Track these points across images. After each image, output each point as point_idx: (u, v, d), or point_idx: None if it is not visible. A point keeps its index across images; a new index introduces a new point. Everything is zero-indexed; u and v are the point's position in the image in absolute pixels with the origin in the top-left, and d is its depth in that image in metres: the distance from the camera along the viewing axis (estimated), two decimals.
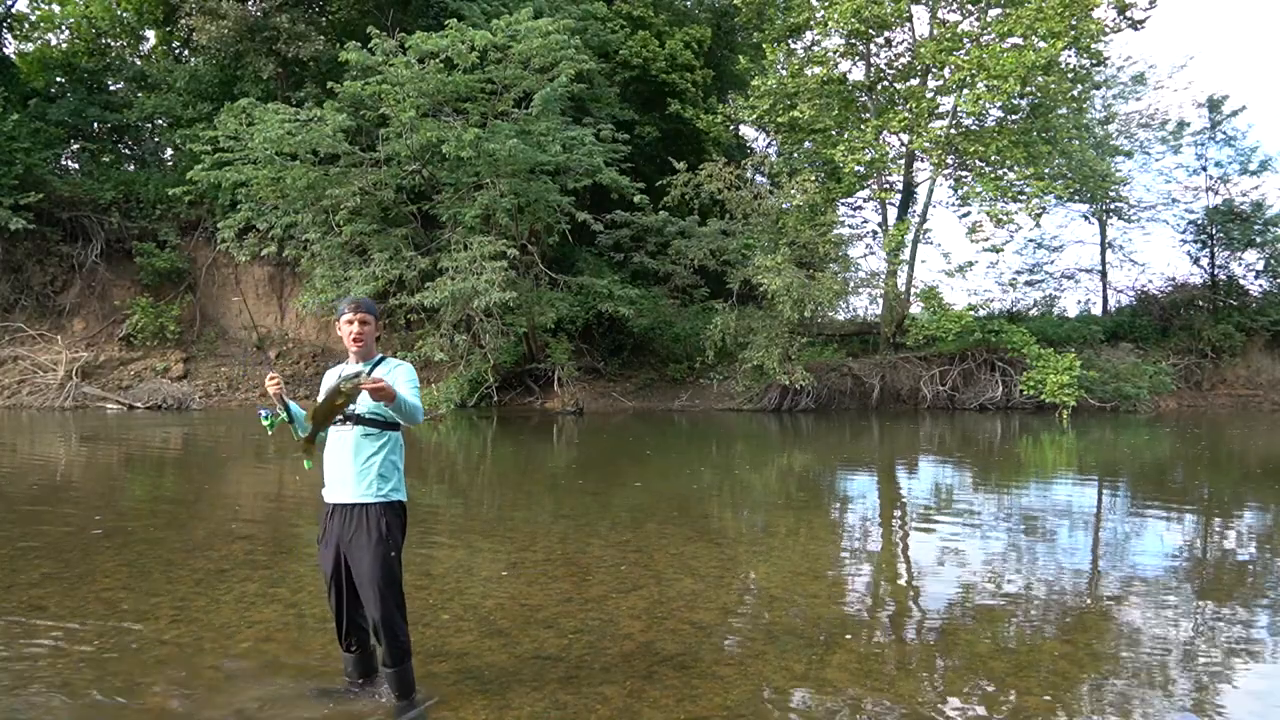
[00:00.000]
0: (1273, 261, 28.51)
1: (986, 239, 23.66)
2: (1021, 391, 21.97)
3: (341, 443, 3.66)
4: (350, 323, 3.72)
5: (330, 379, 3.77)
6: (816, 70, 22.95)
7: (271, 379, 3.77)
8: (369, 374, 3.57)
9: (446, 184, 19.69)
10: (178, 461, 12.76)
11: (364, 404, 3.60)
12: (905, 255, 23.61)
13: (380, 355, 3.85)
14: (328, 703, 3.75)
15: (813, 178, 22.42)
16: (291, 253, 20.72)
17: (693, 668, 4.24)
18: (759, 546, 7.27)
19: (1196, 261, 29.33)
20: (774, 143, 27.27)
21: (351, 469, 3.63)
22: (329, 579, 3.71)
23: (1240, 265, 29.11)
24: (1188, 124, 29.47)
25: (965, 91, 21.14)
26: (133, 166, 26.05)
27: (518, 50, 18.54)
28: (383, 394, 3.36)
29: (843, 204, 27.40)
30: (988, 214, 22.20)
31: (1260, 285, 28.93)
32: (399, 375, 3.70)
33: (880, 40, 23.72)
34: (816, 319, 23.14)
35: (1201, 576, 6.43)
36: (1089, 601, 5.69)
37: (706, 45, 26.96)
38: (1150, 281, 30.17)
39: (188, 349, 22.90)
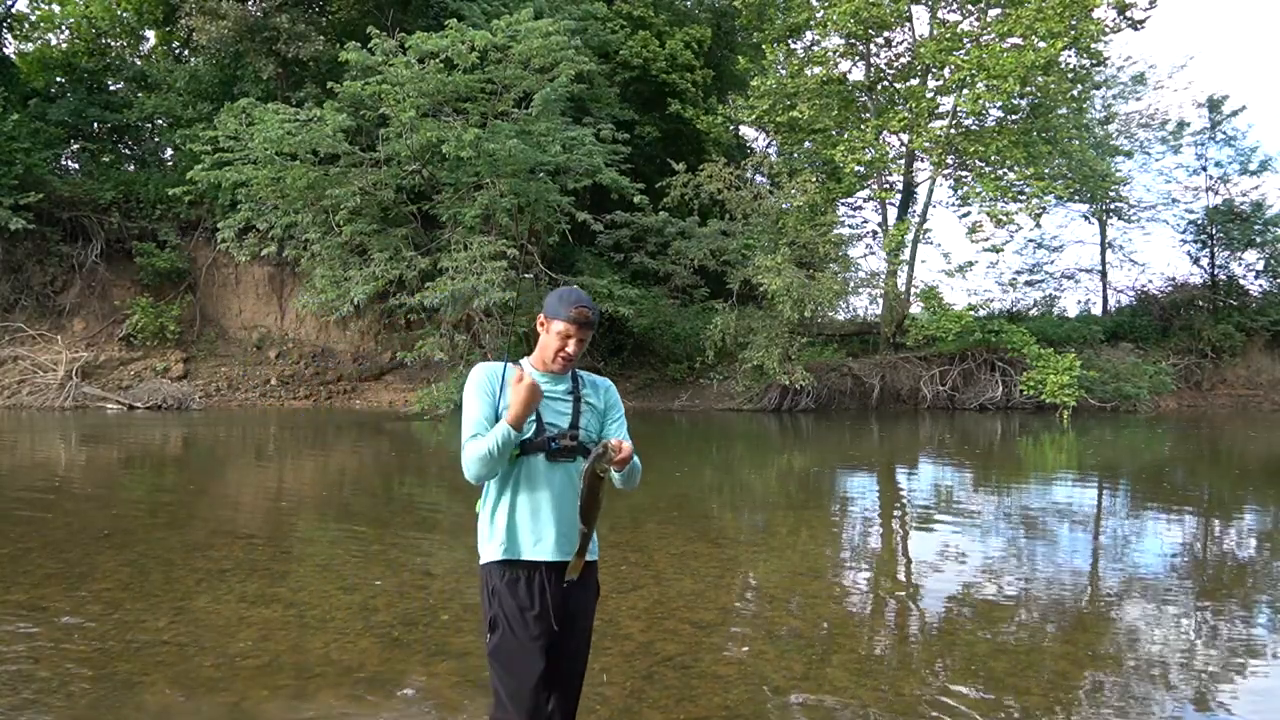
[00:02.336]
0: (1273, 261, 28.52)
1: (986, 239, 23.68)
2: (1021, 391, 21.96)
3: (554, 479, 2.69)
4: (567, 338, 2.67)
5: (485, 382, 2.72)
6: (816, 70, 22.96)
7: (529, 382, 2.59)
8: (571, 391, 2.76)
9: (446, 184, 19.68)
10: (178, 461, 12.76)
11: (587, 425, 2.78)
12: (905, 255, 23.61)
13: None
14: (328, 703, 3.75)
15: (813, 178, 22.42)
16: (291, 253, 20.70)
17: (693, 668, 4.24)
18: (759, 546, 7.27)
19: (1196, 261, 29.34)
20: (774, 143, 27.27)
21: (573, 511, 2.66)
22: (535, 675, 2.64)
23: (1240, 265, 29.15)
24: (1188, 124, 29.50)
25: (965, 91, 21.14)
26: (133, 166, 26.02)
27: (518, 50, 18.52)
28: (626, 460, 2.58)
29: (843, 204, 27.41)
30: (988, 214, 22.20)
31: (1260, 285, 28.95)
32: (618, 409, 2.87)
33: (880, 40, 23.72)
34: (816, 319, 23.14)
35: (1201, 576, 6.43)
36: (1089, 601, 5.69)
37: (706, 45, 26.96)
38: (1150, 281, 30.22)
39: (188, 349, 22.89)
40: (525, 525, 2.68)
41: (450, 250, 18.64)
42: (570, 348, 2.68)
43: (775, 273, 19.84)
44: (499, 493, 2.72)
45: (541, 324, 2.74)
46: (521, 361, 2.78)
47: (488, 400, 2.69)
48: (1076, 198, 27.00)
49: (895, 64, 24.18)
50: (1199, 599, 5.74)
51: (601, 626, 4.81)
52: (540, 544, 2.67)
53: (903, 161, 23.70)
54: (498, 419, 2.63)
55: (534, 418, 2.65)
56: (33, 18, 26.97)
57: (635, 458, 2.69)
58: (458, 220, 18.97)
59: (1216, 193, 29.20)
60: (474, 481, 2.68)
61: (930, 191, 24.46)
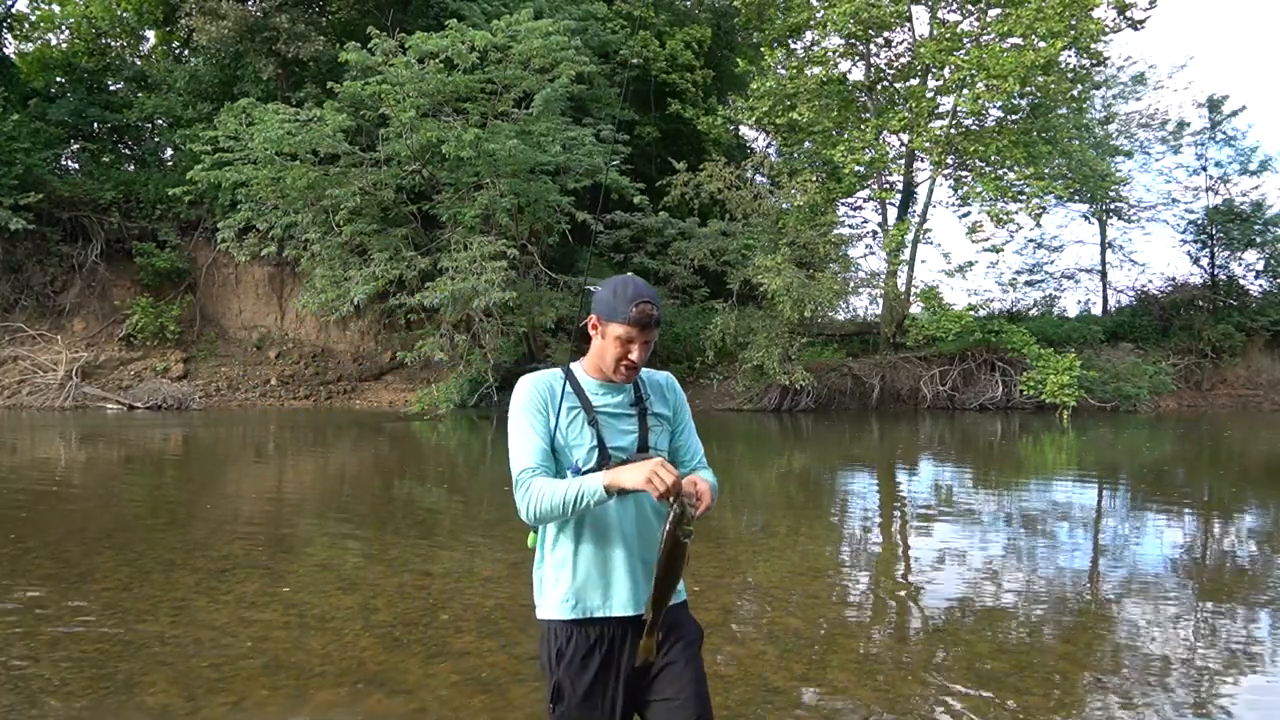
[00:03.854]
0: (1273, 261, 28.52)
1: (986, 239, 23.69)
2: (1021, 391, 21.96)
3: (625, 516, 2.22)
4: (629, 343, 2.18)
5: (536, 398, 2.25)
6: (816, 70, 22.95)
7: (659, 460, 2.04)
8: (634, 402, 2.29)
9: (446, 184, 19.68)
10: (178, 461, 12.76)
11: (658, 442, 2.32)
12: (905, 255, 23.61)
13: None
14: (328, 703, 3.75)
15: (813, 178, 22.43)
16: (291, 253, 20.70)
17: None
18: (759, 546, 7.26)
19: (1196, 261, 29.34)
20: (773, 143, 27.27)
21: (649, 552, 2.20)
22: None
23: (1240, 265, 29.15)
24: (1188, 124, 29.49)
25: (965, 91, 21.14)
26: (133, 166, 26.02)
27: (518, 51, 18.53)
28: (709, 506, 2.13)
29: (843, 204, 27.39)
30: (988, 214, 22.20)
31: (1260, 285, 28.95)
32: (686, 410, 2.43)
33: (880, 40, 23.72)
34: (816, 319, 23.14)
35: (1201, 576, 6.43)
36: (1089, 601, 5.68)
37: (706, 45, 26.97)
38: (1150, 281, 30.21)
39: (188, 349, 22.90)
40: (594, 577, 2.21)
41: (450, 250, 18.65)
42: (634, 354, 2.18)
43: (775, 273, 19.84)
44: (559, 535, 2.25)
45: (594, 326, 2.24)
46: (573, 366, 2.32)
47: (540, 421, 2.21)
48: (1076, 198, 26.99)
49: (895, 64, 24.18)
50: (1199, 599, 5.74)
51: None
52: (613, 599, 2.20)
53: (903, 161, 23.70)
54: (554, 445, 2.20)
55: (594, 442, 2.19)
56: (33, 18, 26.99)
57: (715, 481, 2.25)
58: (458, 220, 18.98)
59: (1216, 193, 29.21)
60: (531, 523, 2.21)
61: (930, 191, 24.46)
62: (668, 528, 2.04)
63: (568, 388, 2.25)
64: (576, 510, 2.09)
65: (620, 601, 2.21)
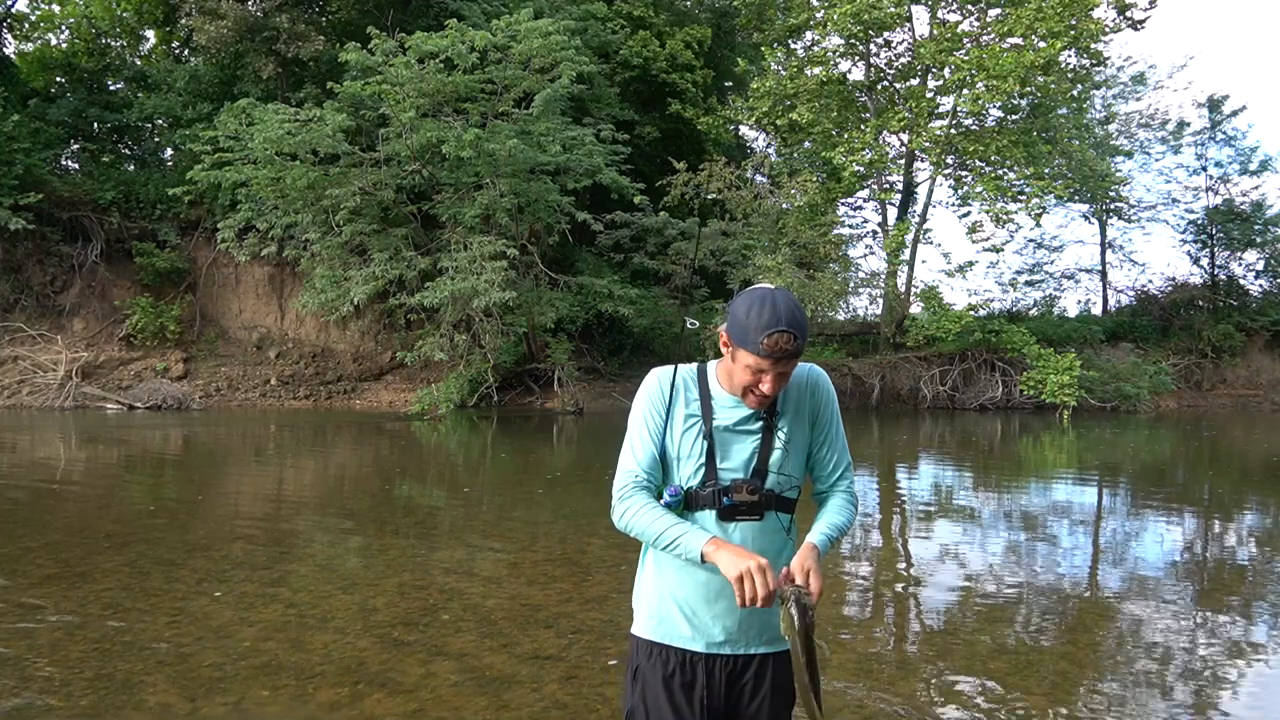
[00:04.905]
0: (1273, 261, 28.56)
1: (987, 239, 23.73)
2: (1021, 391, 21.98)
3: (738, 539, 1.95)
4: (759, 373, 1.89)
5: (656, 396, 2.02)
6: (816, 71, 22.97)
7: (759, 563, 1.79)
8: (767, 410, 1.98)
9: (446, 184, 19.69)
10: (178, 462, 12.76)
11: (784, 467, 2.00)
12: (905, 255, 23.63)
13: None
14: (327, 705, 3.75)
15: (813, 178, 22.44)
16: (291, 253, 20.71)
17: None
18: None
19: (1196, 261, 29.39)
20: (773, 143, 27.29)
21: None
22: None
23: (1240, 265, 29.22)
24: (1188, 124, 29.54)
25: (965, 91, 21.16)
26: (133, 166, 26.02)
27: (518, 51, 18.54)
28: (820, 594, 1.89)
29: (843, 204, 27.44)
30: (988, 214, 22.24)
31: (1260, 285, 29.01)
32: (831, 414, 2.08)
33: (880, 40, 23.74)
34: (816, 319, 23.15)
35: (1201, 576, 6.43)
36: (1089, 601, 5.68)
37: (706, 46, 26.97)
38: (1150, 281, 30.28)
39: (188, 349, 22.90)
40: (685, 604, 1.99)
41: (450, 250, 18.66)
42: (765, 387, 1.89)
43: (775, 273, 19.85)
44: (655, 552, 2.04)
45: (725, 344, 1.95)
46: (709, 366, 2.05)
47: (655, 422, 2.00)
48: (1076, 198, 27.04)
49: (895, 64, 24.21)
50: (1199, 599, 5.74)
51: (602, 626, 4.81)
52: (703, 632, 1.98)
53: (902, 162, 23.72)
54: (664, 452, 1.99)
55: (703, 459, 1.96)
56: (33, 18, 26.99)
57: (845, 521, 2.06)
58: (458, 220, 18.99)
59: (1216, 193, 29.26)
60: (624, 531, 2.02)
61: (930, 191, 24.51)
62: (798, 626, 1.79)
63: (694, 390, 2.01)
64: (665, 551, 1.92)
65: (713, 636, 1.98)
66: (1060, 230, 38.82)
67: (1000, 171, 22.38)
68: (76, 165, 25.59)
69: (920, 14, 23.38)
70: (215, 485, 10.44)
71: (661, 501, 1.95)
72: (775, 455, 1.96)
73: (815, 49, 24.35)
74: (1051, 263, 31.39)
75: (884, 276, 24.03)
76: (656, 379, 2.04)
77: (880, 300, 24.85)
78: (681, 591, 1.99)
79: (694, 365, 2.06)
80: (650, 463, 1.98)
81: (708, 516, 1.95)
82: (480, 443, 15.81)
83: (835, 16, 21.42)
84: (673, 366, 2.06)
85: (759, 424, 1.97)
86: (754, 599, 1.75)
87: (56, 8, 27.22)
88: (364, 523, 7.93)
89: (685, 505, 1.96)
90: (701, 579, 1.96)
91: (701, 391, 2.01)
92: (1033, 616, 5.31)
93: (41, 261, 22.77)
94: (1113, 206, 29.15)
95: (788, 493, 2.00)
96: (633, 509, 1.95)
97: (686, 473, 1.97)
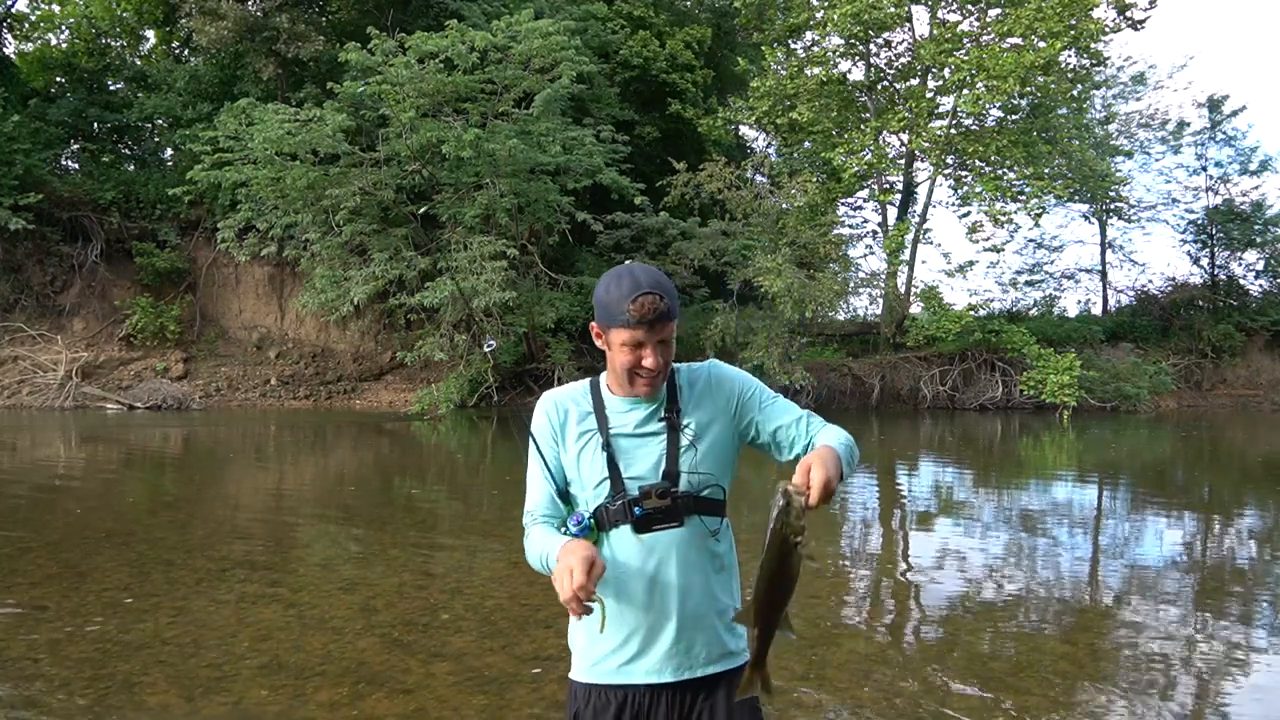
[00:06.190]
0: (1273, 261, 28.56)
1: (986, 239, 23.74)
2: (1021, 392, 21.98)
3: (650, 561, 1.79)
4: (638, 347, 1.74)
5: (544, 425, 1.88)
6: (816, 71, 22.99)
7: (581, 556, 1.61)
8: (668, 409, 1.83)
9: (446, 184, 19.69)
10: (178, 461, 12.76)
11: (697, 465, 1.82)
12: (905, 255, 23.64)
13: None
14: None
15: (813, 178, 22.44)
16: (291, 253, 20.71)
17: None
18: (758, 546, 7.26)
19: (1196, 261, 29.38)
20: (773, 143, 27.28)
21: (700, 604, 1.81)
22: None
23: (1240, 265, 29.22)
24: (1188, 124, 29.54)
25: (965, 91, 21.17)
26: (133, 166, 26.02)
27: (518, 51, 18.53)
28: (834, 489, 1.64)
29: (843, 204, 27.44)
30: (987, 214, 22.25)
31: (1260, 285, 29.01)
32: (744, 389, 1.89)
33: (880, 40, 23.75)
34: (817, 319, 23.17)
35: (1201, 576, 6.43)
36: (1089, 601, 5.69)
37: (706, 46, 26.95)
38: (1150, 281, 30.28)
39: (188, 349, 22.90)
40: (618, 633, 1.80)
41: (450, 250, 18.66)
42: (648, 360, 1.73)
43: (775, 273, 19.86)
44: None
45: (597, 335, 1.81)
46: (600, 379, 1.89)
47: (549, 454, 1.85)
48: (1076, 198, 27.04)
49: (895, 64, 24.22)
50: (1199, 599, 5.74)
51: None
52: (636, 660, 1.79)
53: (902, 162, 23.73)
54: (564, 478, 1.85)
55: (604, 473, 1.79)
56: (33, 18, 26.99)
57: (845, 438, 1.81)
58: (458, 220, 18.99)
59: (1216, 193, 29.26)
60: None
61: (930, 192, 24.51)
62: (772, 525, 1.59)
63: (585, 404, 1.85)
64: (547, 570, 1.74)
65: (648, 666, 1.78)
66: (1060, 230, 38.84)
67: (1000, 171, 22.39)
68: (76, 165, 25.59)
69: (920, 14, 23.40)
70: (215, 485, 10.44)
71: (566, 533, 1.76)
72: (686, 455, 1.79)
73: (815, 49, 24.36)
74: (1051, 263, 31.41)
75: (884, 276, 24.04)
76: (540, 407, 1.89)
77: (880, 300, 24.86)
78: (611, 620, 1.79)
79: (585, 381, 1.90)
80: (547, 501, 1.84)
81: (624, 533, 1.77)
82: (480, 443, 15.81)
83: (835, 16, 21.42)
84: (562, 389, 1.91)
85: (661, 423, 1.80)
86: (566, 599, 1.56)
87: (56, 8, 27.22)
88: (364, 523, 7.93)
89: (598, 527, 1.78)
90: (629, 600, 1.78)
91: (595, 404, 1.84)
92: (1033, 617, 5.31)
93: (41, 261, 22.77)
94: (1113, 206, 29.14)
95: (706, 492, 1.80)
96: (530, 543, 1.81)
97: (592, 492, 1.79)
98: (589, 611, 1.61)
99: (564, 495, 1.85)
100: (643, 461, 1.79)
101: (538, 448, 1.86)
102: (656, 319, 1.69)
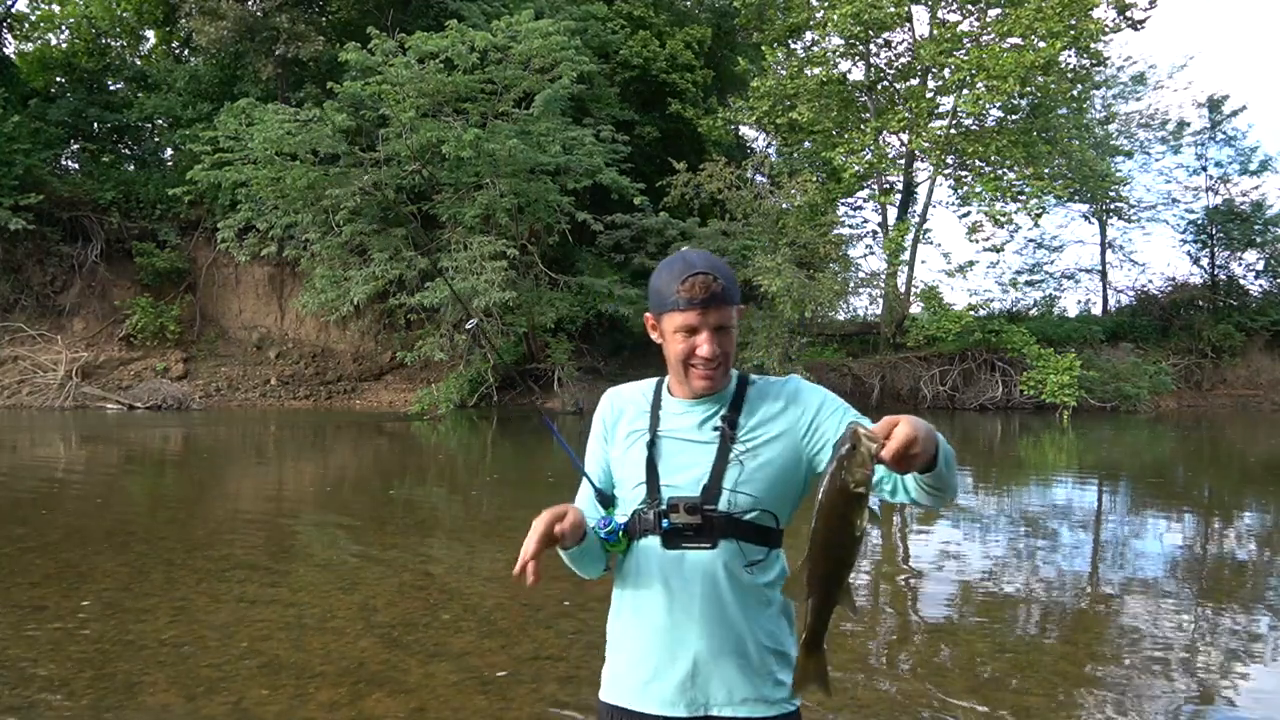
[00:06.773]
0: (1273, 261, 28.56)
1: (986, 239, 23.74)
2: (1021, 392, 21.98)
3: (673, 579, 1.62)
4: (692, 333, 1.61)
5: (598, 421, 1.80)
6: (816, 71, 22.99)
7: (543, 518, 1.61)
8: (737, 421, 1.65)
9: (446, 184, 19.69)
10: (178, 461, 12.76)
11: (742, 484, 1.61)
12: (905, 255, 23.64)
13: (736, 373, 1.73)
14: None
15: (813, 178, 22.43)
16: (291, 253, 20.72)
17: None
18: None
19: (1196, 261, 29.39)
20: (773, 143, 27.28)
21: (723, 640, 1.61)
22: None
23: (1240, 265, 29.22)
24: (1188, 124, 29.54)
25: (965, 91, 21.17)
26: (133, 166, 26.03)
27: (518, 51, 18.54)
28: (917, 458, 1.36)
29: (843, 204, 27.42)
30: (987, 214, 22.24)
31: (1260, 285, 29.01)
32: (822, 406, 1.67)
33: (880, 40, 23.75)
34: (816, 319, 23.15)
35: (1201, 576, 6.43)
36: (1089, 601, 5.68)
37: (706, 46, 26.95)
38: (1150, 281, 30.27)
39: (188, 349, 22.90)
40: (635, 653, 1.67)
41: (450, 250, 18.66)
42: (704, 349, 1.60)
43: (775, 273, 19.85)
44: (616, 597, 1.76)
45: (652, 327, 1.69)
46: (666, 379, 1.74)
47: (597, 450, 1.78)
48: (1076, 198, 27.04)
49: (895, 64, 24.22)
50: (1199, 599, 5.73)
51: (601, 627, 4.80)
52: (652, 687, 1.63)
53: (902, 162, 23.73)
54: (610, 479, 1.75)
55: (642, 476, 1.66)
56: (33, 18, 27.00)
57: (942, 442, 1.44)
58: (458, 220, 18.99)
59: (1216, 193, 29.26)
60: None
61: (930, 192, 24.50)
62: (830, 470, 1.33)
63: (645, 402, 1.72)
64: (573, 564, 1.69)
65: (662, 696, 1.61)
66: (1060, 230, 38.86)
67: (1000, 171, 22.39)
68: (76, 165, 25.60)
69: (920, 14, 23.40)
70: (215, 485, 10.44)
71: (594, 536, 1.66)
72: (733, 470, 1.60)
73: (815, 49, 24.37)
74: (1051, 263, 31.39)
75: (884, 276, 24.04)
76: (602, 401, 1.80)
77: (880, 300, 24.86)
78: (627, 634, 1.68)
79: (653, 380, 1.77)
80: (586, 501, 1.73)
81: (652, 544, 1.62)
82: (480, 443, 15.81)
83: (835, 16, 21.42)
84: (626, 385, 1.81)
85: (715, 432, 1.63)
86: (521, 566, 1.49)
87: (56, 8, 27.23)
88: (364, 522, 7.93)
89: (628, 534, 1.66)
90: (640, 612, 1.66)
91: (654, 402, 1.72)
92: (1033, 616, 5.31)
93: (41, 261, 22.78)
94: (1113, 206, 29.14)
95: (750, 516, 1.59)
96: None
97: (630, 494, 1.67)
98: (534, 580, 1.53)
99: (609, 499, 1.72)
100: (684, 471, 1.63)
101: (591, 444, 1.79)
102: (710, 300, 1.57)
